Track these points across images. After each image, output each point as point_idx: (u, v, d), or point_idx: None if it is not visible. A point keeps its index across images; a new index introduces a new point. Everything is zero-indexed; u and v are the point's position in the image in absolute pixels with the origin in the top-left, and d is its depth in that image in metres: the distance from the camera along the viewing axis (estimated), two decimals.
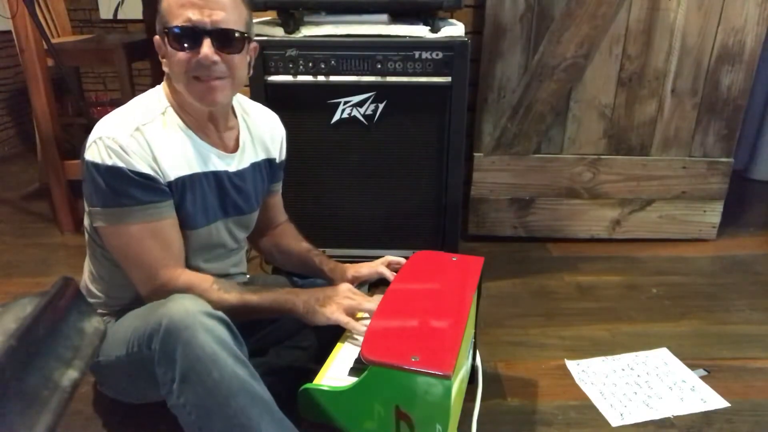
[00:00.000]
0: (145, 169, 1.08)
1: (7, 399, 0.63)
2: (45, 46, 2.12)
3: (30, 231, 2.37)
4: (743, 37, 2.05)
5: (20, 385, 0.65)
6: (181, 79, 1.10)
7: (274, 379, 1.27)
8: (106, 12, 3.41)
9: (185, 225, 1.17)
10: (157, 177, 1.10)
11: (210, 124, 1.20)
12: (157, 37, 1.11)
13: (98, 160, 1.06)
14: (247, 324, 1.31)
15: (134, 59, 2.51)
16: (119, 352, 1.11)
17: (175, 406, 1.01)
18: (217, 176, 1.21)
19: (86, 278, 1.28)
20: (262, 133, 1.32)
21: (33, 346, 0.69)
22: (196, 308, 1.00)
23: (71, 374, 0.72)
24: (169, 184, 1.12)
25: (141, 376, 1.09)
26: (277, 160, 1.39)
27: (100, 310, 1.24)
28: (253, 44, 1.18)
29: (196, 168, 1.17)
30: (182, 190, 1.14)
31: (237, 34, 1.09)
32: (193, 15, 1.05)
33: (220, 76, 1.10)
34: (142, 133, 1.09)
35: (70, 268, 2.02)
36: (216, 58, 1.07)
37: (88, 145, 1.09)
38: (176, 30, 1.06)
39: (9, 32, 2.21)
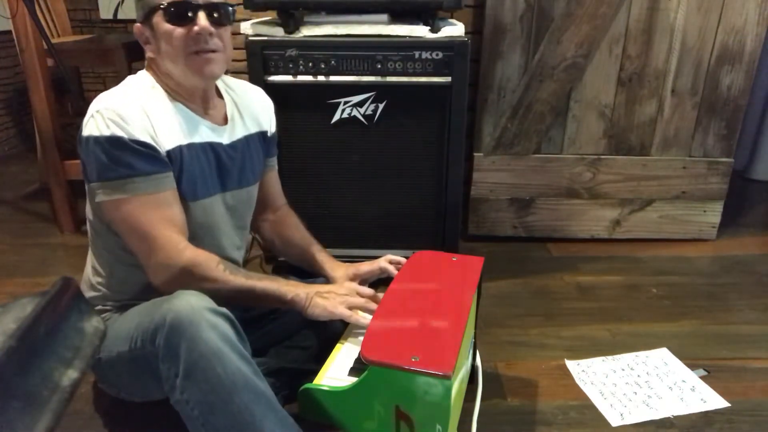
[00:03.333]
0: (145, 138, 1.08)
1: (6, 399, 0.63)
2: (45, 46, 2.12)
3: (30, 231, 2.37)
4: (743, 37, 2.05)
5: (20, 385, 0.65)
6: (179, 56, 1.12)
7: (274, 379, 1.28)
8: (106, 12, 3.41)
9: (185, 196, 1.17)
10: (156, 146, 1.10)
11: (200, 100, 1.21)
12: (138, 25, 1.13)
13: (97, 133, 1.07)
14: (247, 323, 1.31)
15: (134, 59, 2.51)
16: (121, 348, 1.11)
17: (178, 402, 1.01)
18: (213, 147, 1.22)
19: (89, 272, 1.28)
20: (251, 107, 1.33)
21: (33, 346, 0.69)
22: (201, 304, 1.01)
23: (71, 374, 0.72)
24: (168, 154, 1.13)
25: (143, 373, 1.09)
26: (269, 133, 1.39)
27: (101, 305, 1.24)
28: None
29: (191, 138, 1.17)
30: (180, 160, 1.15)
31: (228, 8, 1.14)
32: None
33: (215, 48, 1.13)
34: (139, 104, 1.10)
35: (70, 268, 2.02)
36: (213, 29, 1.11)
37: (85, 122, 1.09)
38: (171, 6, 1.09)
39: (9, 32, 2.20)
